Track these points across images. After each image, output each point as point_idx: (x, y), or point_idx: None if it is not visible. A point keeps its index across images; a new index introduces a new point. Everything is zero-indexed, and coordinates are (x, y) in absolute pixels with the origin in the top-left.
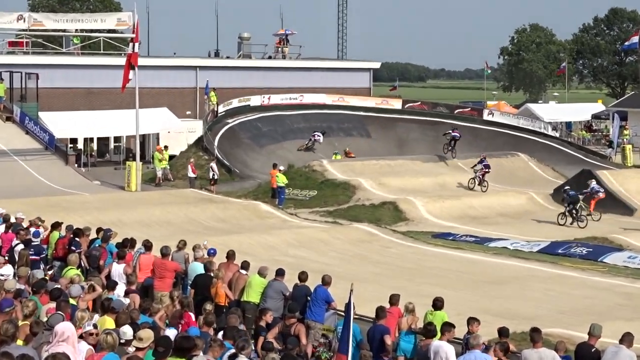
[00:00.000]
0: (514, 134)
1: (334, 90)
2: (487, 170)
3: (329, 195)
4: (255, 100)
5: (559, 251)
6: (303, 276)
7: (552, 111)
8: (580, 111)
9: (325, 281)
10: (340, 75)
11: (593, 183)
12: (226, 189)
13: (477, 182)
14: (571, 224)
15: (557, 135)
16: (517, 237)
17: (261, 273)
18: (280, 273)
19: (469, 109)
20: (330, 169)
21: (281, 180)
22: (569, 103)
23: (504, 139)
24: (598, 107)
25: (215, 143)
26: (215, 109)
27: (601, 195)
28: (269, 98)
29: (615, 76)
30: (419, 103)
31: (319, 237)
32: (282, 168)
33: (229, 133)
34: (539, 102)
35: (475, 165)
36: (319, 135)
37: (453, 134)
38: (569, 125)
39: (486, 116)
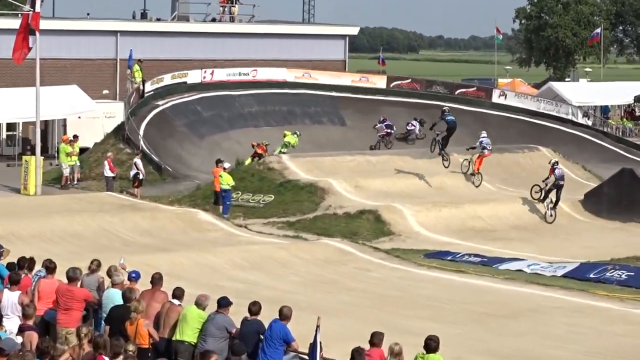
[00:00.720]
0: (532, 121)
1: (298, 63)
2: (389, 131)
3: (290, 201)
4: (193, 76)
5: (591, 275)
6: (254, 308)
7: (583, 92)
8: (621, 92)
9: (284, 315)
10: (306, 44)
11: (483, 135)
12: (154, 193)
13: (379, 145)
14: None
15: (590, 123)
16: (536, 257)
17: (199, 304)
18: (224, 304)
19: (474, 88)
20: (292, 166)
21: (226, 181)
22: (606, 81)
23: (519, 128)
24: None
25: (141, 132)
26: (141, 88)
27: (487, 153)
28: (211, 73)
29: None
30: (409, 81)
31: (276, 257)
32: (227, 165)
33: (159, 119)
34: (566, 80)
35: (376, 124)
36: (412, 125)
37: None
38: (605, 110)
39: (497, 98)
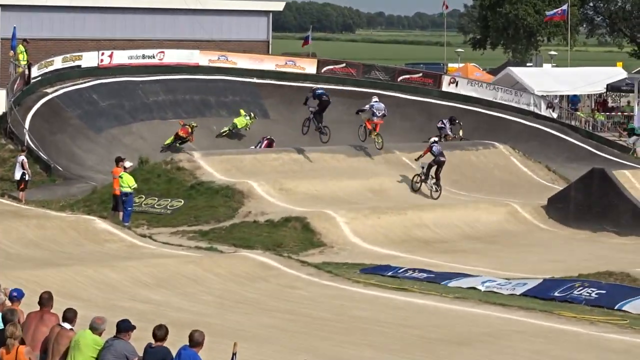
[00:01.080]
0: (488, 113)
1: (213, 44)
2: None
3: (203, 206)
4: (89, 59)
5: (556, 294)
6: (160, 332)
7: (548, 79)
8: (591, 79)
9: (195, 340)
10: (222, 22)
11: (374, 99)
12: (42, 197)
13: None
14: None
15: (555, 116)
16: (491, 272)
17: (95, 328)
18: (124, 328)
19: (420, 74)
20: (206, 166)
21: (128, 183)
22: (574, 67)
23: (473, 121)
24: (617, 72)
25: (26, 125)
26: (27, 72)
27: (376, 120)
28: (110, 56)
29: None
30: (343, 65)
31: (186, 272)
32: (129, 164)
33: (48, 110)
34: (528, 65)
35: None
36: (442, 124)
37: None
38: (573, 100)
39: (446, 86)
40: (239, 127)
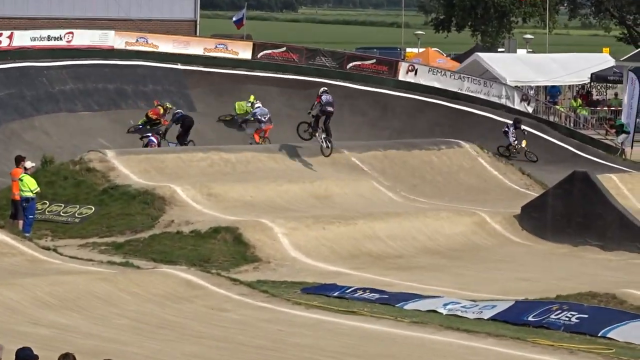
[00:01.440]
0: (452, 106)
1: (131, 24)
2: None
3: (118, 214)
4: None
5: (530, 318)
6: None
7: (522, 67)
8: (573, 68)
9: None
10: None
11: (257, 105)
12: None
13: None
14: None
15: (530, 110)
16: (455, 292)
17: None
18: (24, 357)
19: (374, 61)
20: (121, 167)
21: (29, 186)
22: (553, 53)
23: (434, 116)
24: (603, 60)
25: None
26: None
27: (264, 127)
28: (9, 37)
29: (633, 6)
30: (284, 50)
31: (98, 291)
32: (31, 165)
33: None
34: (500, 50)
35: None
36: (506, 129)
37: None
38: (552, 92)
39: (404, 75)
40: (238, 112)
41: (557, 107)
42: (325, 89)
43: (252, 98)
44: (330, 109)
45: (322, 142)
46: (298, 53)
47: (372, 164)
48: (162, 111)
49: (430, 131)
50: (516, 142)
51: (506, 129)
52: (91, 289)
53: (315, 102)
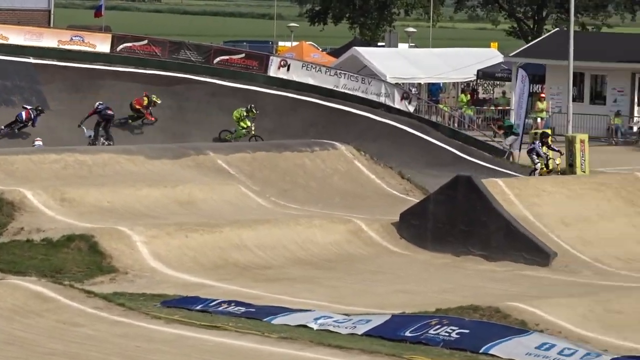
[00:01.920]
0: (328, 105)
1: None
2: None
3: None
4: None
5: (407, 334)
6: None
7: (403, 63)
8: (457, 63)
9: None
10: None
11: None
12: None
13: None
14: None
15: (412, 109)
16: (327, 306)
17: None
18: None
19: (243, 55)
20: None
21: None
22: (437, 48)
23: (308, 115)
24: (490, 55)
25: None
26: None
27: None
28: None
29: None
30: (145, 43)
31: None
32: None
33: None
34: (379, 44)
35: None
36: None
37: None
38: (434, 90)
39: (275, 70)
40: (234, 117)
41: (440, 106)
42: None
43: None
44: (110, 112)
45: (103, 144)
46: (161, 46)
47: (239, 167)
48: (145, 102)
49: (304, 131)
50: (548, 160)
51: (532, 146)
52: None
53: (89, 115)
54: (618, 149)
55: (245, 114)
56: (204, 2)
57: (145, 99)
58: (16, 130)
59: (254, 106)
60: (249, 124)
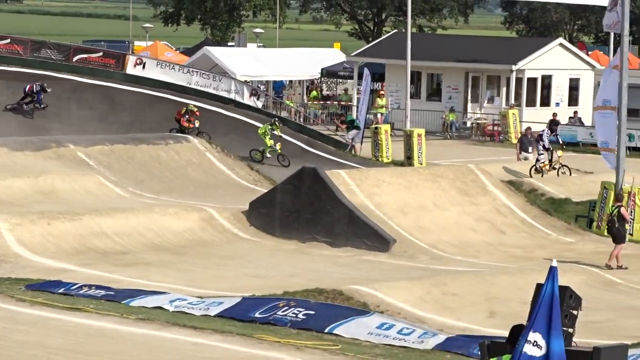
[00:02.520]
0: (182, 101)
1: None
2: None
3: None
4: None
5: (257, 315)
6: None
7: (252, 61)
8: (302, 62)
9: None
10: None
11: None
12: None
13: None
14: None
15: (260, 105)
16: (182, 289)
17: None
18: None
19: (100, 54)
20: None
21: None
22: (284, 48)
23: (163, 110)
24: (334, 55)
25: None
26: None
27: None
28: None
29: (365, 1)
30: (8, 42)
31: None
32: None
33: None
34: (229, 44)
35: None
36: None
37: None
38: (275, 87)
39: (132, 68)
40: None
41: (287, 102)
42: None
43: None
44: None
45: None
46: (23, 45)
47: (98, 158)
48: (183, 111)
49: (160, 125)
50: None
51: (541, 133)
52: None
53: None
54: (452, 143)
55: (270, 127)
56: (64, 4)
57: (183, 108)
58: (24, 107)
59: (277, 120)
60: (272, 142)
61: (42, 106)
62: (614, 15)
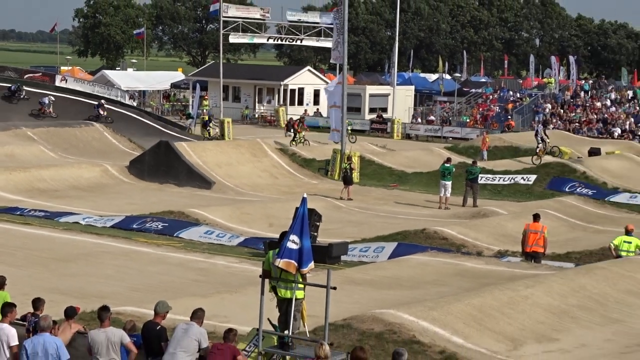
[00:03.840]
0: (89, 102)
1: None
2: None
3: None
4: None
5: (134, 226)
6: None
7: (130, 79)
8: (160, 79)
9: None
10: None
11: None
12: None
13: None
14: None
15: (135, 104)
16: (90, 212)
17: None
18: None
19: (41, 74)
20: None
21: None
22: (149, 71)
23: (78, 107)
24: (178, 75)
25: None
26: None
27: None
28: None
29: (196, 44)
30: None
31: None
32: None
33: None
34: (117, 69)
35: None
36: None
37: None
38: (144, 94)
39: (59, 82)
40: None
41: (151, 102)
42: None
43: None
44: None
45: None
46: None
47: (40, 135)
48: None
49: (76, 117)
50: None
51: (537, 130)
52: None
53: None
54: (247, 127)
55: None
56: (18, 44)
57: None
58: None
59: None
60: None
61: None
62: (337, 52)
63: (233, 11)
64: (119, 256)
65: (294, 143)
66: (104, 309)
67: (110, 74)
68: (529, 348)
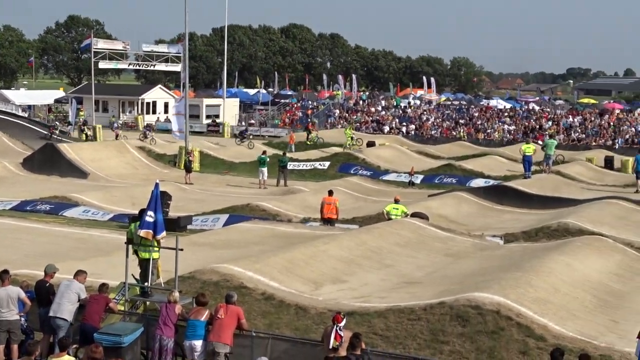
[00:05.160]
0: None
1: None
2: None
3: None
4: None
5: (27, 208)
6: None
7: (22, 96)
8: (46, 96)
9: None
10: None
11: None
12: None
13: None
14: None
15: (26, 115)
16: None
17: None
18: None
19: None
20: None
21: None
22: (37, 90)
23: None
24: (60, 93)
25: None
26: None
27: None
28: None
29: (73, 69)
30: None
31: None
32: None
33: None
34: (12, 88)
35: None
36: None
37: None
38: (30, 108)
39: None
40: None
41: (39, 114)
42: None
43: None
44: None
45: None
46: None
47: None
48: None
49: None
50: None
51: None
52: None
53: None
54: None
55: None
56: None
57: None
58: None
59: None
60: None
61: None
62: (182, 74)
63: (102, 44)
64: (15, 231)
65: (308, 142)
66: (4, 272)
67: (7, 92)
68: (327, 288)
